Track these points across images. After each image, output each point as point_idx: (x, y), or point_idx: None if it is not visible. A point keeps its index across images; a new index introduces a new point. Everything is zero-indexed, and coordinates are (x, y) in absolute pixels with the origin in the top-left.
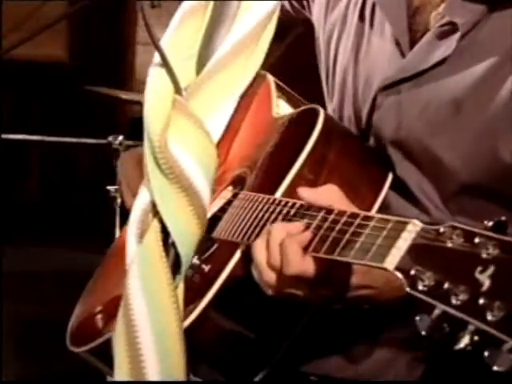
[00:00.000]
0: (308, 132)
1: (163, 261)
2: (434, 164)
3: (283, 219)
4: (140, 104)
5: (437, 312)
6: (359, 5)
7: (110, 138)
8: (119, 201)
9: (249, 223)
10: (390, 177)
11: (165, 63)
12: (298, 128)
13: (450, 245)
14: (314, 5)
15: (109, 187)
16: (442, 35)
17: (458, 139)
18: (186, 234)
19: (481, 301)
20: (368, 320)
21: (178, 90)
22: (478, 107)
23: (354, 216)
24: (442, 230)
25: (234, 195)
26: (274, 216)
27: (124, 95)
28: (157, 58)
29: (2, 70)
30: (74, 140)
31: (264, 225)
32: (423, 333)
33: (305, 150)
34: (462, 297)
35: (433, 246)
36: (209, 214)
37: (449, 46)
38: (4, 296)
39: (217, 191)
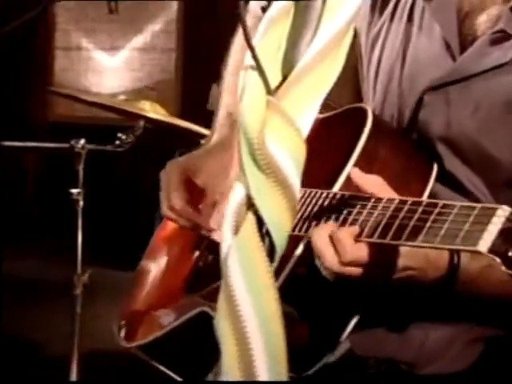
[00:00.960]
0: (359, 129)
1: (261, 249)
2: (482, 159)
3: (341, 211)
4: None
5: None
6: (408, 7)
7: (72, 142)
8: (81, 203)
9: (310, 217)
10: (435, 169)
11: (258, 67)
12: (347, 125)
13: None
14: None
15: (71, 190)
16: (495, 41)
17: (509, 137)
18: (280, 225)
19: None
20: (426, 302)
21: (269, 91)
22: None
23: (417, 204)
24: None
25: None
26: (332, 208)
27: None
28: (247, 62)
29: None
30: (35, 144)
31: (323, 217)
32: None
33: (358, 147)
34: None
35: None
36: None
37: (503, 52)
38: None
39: None
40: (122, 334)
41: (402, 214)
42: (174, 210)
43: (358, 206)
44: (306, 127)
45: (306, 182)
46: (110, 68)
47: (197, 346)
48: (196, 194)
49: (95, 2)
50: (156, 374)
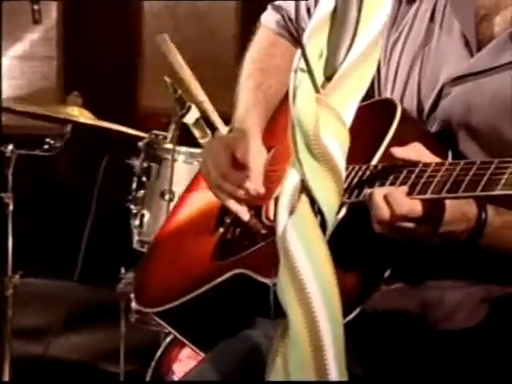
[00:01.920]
0: (390, 117)
1: (315, 224)
2: (498, 143)
3: (389, 177)
4: None
5: None
6: (430, 10)
7: (1, 148)
8: (11, 207)
9: (356, 186)
10: (450, 152)
11: (309, 70)
12: (379, 114)
13: None
14: None
15: (1, 194)
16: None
17: None
18: (331, 204)
19: None
20: (439, 270)
21: (317, 90)
22: None
23: (470, 163)
24: None
25: None
26: (381, 176)
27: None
28: (295, 66)
29: None
30: None
31: (376, 183)
32: None
33: (389, 132)
34: None
35: None
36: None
37: None
38: None
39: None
40: (141, 300)
41: (455, 173)
42: (220, 174)
43: (405, 172)
44: (349, 120)
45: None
46: None
47: (228, 310)
48: (236, 166)
49: None
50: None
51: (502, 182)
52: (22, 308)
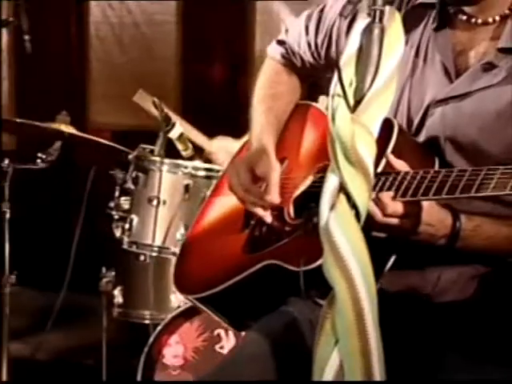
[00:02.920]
0: (389, 133)
1: (352, 216)
2: (478, 153)
3: (385, 183)
4: None
5: None
6: (414, 47)
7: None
8: (8, 215)
9: None
10: (437, 160)
11: (344, 96)
12: (380, 129)
13: None
14: None
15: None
16: (485, 70)
17: (498, 135)
18: (364, 200)
19: None
20: (436, 256)
21: (352, 110)
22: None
23: (463, 171)
24: None
25: (321, 178)
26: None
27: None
28: (332, 92)
29: None
30: None
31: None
32: None
33: (391, 143)
34: None
35: None
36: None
37: (491, 77)
38: None
39: (303, 178)
40: (183, 289)
41: (452, 177)
42: (242, 188)
43: (391, 178)
44: (376, 133)
45: None
46: None
47: (260, 294)
48: (256, 179)
49: None
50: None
51: (492, 185)
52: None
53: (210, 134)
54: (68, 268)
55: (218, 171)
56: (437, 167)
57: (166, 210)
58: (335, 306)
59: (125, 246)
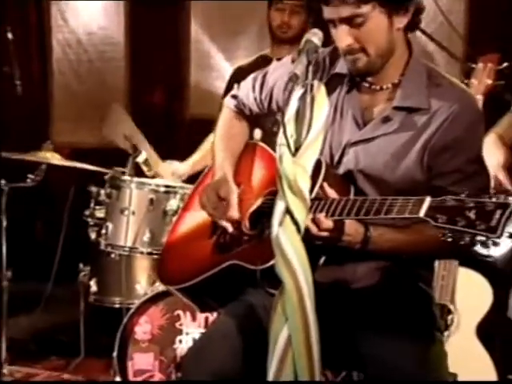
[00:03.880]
0: (319, 167)
1: (295, 230)
2: (380, 181)
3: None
4: None
5: (447, 232)
6: (333, 104)
7: None
8: (4, 223)
9: None
10: (352, 188)
11: (288, 145)
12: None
13: (450, 203)
14: None
15: None
16: (383, 121)
17: (394, 169)
18: (302, 220)
19: (471, 221)
20: (353, 256)
21: (293, 155)
22: (402, 156)
23: (374, 199)
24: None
25: (268, 200)
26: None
27: None
28: (279, 141)
29: None
30: None
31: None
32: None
33: (320, 176)
34: (461, 223)
35: (439, 206)
36: (254, 207)
37: (388, 127)
38: None
39: (254, 199)
40: (165, 281)
41: (366, 203)
42: (211, 206)
43: (328, 203)
44: (310, 171)
45: None
46: None
47: (226, 286)
48: (220, 199)
49: None
50: None
51: (396, 209)
52: None
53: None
54: (54, 264)
55: (174, 187)
56: (352, 192)
57: (134, 218)
58: (284, 294)
59: (102, 248)
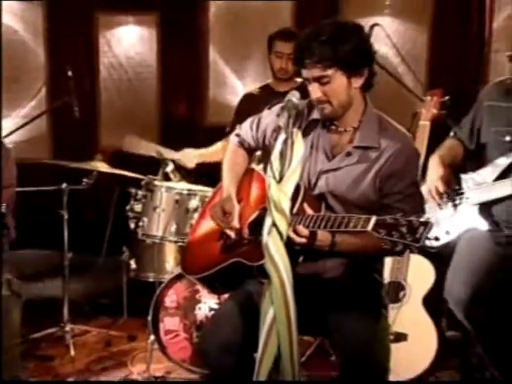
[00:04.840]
0: (298, 191)
1: (279, 239)
2: (345, 199)
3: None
4: None
5: (387, 241)
6: (310, 142)
7: (62, 186)
8: (66, 217)
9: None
10: (323, 205)
11: (273, 176)
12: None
13: (389, 221)
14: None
15: (61, 211)
16: (347, 156)
17: (354, 190)
18: (284, 231)
19: (403, 234)
20: (325, 253)
21: (278, 183)
22: (360, 181)
23: (335, 217)
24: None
25: (261, 213)
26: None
27: None
28: (268, 173)
29: None
30: (36, 188)
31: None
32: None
33: (300, 196)
34: (396, 236)
35: (381, 223)
36: (251, 218)
37: (350, 159)
38: None
39: (252, 212)
40: (188, 272)
41: (331, 219)
42: (218, 218)
43: (305, 218)
44: (290, 194)
45: None
46: None
47: (231, 277)
48: (226, 213)
49: None
50: None
51: (352, 224)
52: None
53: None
54: (104, 245)
55: (195, 190)
56: (323, 208)
57: (164, 214)
58: (271, 284)
59: (139, 237)
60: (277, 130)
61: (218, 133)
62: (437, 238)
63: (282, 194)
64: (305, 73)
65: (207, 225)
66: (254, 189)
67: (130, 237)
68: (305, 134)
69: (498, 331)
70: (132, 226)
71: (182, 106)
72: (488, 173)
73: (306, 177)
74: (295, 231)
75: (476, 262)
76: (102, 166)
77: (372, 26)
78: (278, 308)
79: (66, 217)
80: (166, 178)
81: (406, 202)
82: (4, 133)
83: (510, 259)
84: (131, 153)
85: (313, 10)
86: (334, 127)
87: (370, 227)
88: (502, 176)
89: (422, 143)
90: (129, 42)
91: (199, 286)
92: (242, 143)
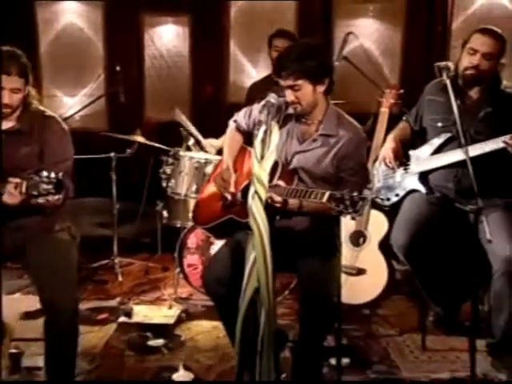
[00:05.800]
0: (277, 166)
1: (260, 203)
2: (312, 173)
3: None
4: None
5: (335, 210)
6: (287, 130)
7: (111, 154)
8: (114, 177)
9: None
10: (296, 177)
11: (256, 157)
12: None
13: (337, 196)
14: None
15: (111, 172)
16: (313, 141)
17: (319, 166)
18: (264, 197)
19: (346, 206)
20: (295, 213)
21: (259, 162)
22: (323, 160)
23: (306, 190)
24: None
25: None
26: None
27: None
28: (253, 154)
29: None
30: (90, 156)
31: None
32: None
33: (277, 172)
34: (342, 207)
35: (332, 197)
36: (242, 186)
37: (316, 144)
38: None
39: (244, 180)
40: (197, 222)
41: (299, 191)
42: (219, 185)
43: (280, 188)
44: (268, 171)
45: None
46: None
47: (226, 228)
48: (224, 181)
49: None
50: None
51: (312, 196)
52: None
53: (206, 128)
54: (143, 198)
55: (210, 159)
56: (296, 179)
57: (187, 177)
58: (253, 235)
59: (169, 194)
60: (259, 123)
61: (237, 109)
62: (388, 199)
63: (262, 170)
64: (281, 82)
65: (211, 189)
66: (247, 163)
67: (162, 193)
68: (283, 125)
69: (430, 268)
70: (164, 184)
71: (209, 88)
72: (426, 150)
73: (283, 156)
74: (271, 198)
75: (414, 216)
76: (141, 139)
77: (348, 34)
78: (257, 252)
79: (114, 177)
80: (188, 149)
81: (356, 176)
82: (72, 110)
83: (439, 215)
84: (168, 124)
85: (311, 10)
86: (304, 120)
87: (324, 199)
88: (436, 152)
89: (382, 125)
90: (167, 38)
91: None
92: (238, 127)
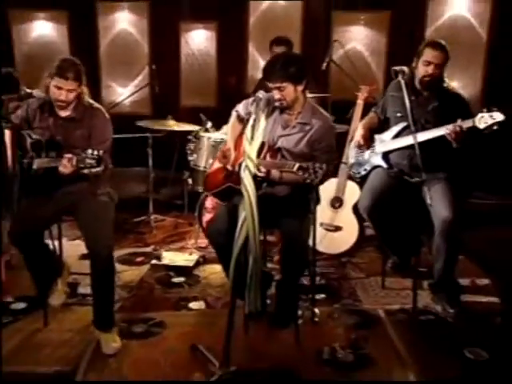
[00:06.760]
0: (263, 146)
1: (249, 174)
2: (292, 152)
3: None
4: None
5: (305, 178)
6: (274, 119)
7: (147, 134)
8: (150, 152)
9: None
10: (279, 155)
11: (247, 138)
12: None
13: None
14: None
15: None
16: (293, 127)
17: (297, 147)
18: (252, 169)
19: (310, 174)
20: (277, 183)
21: (249, 143)
22: (300, 142)
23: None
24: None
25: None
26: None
27: None
28: (245, 136)
29: None
30: (125, 135)
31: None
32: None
33: (264, 150)
34: (306, 175)
35: (300, 168)
36: (239, 161)
37: (297, 129)
38: None
39: (241, 157)
40: (206, 189)
41: (279, 164)
42: (222, 160)
43: (266, 162)
44: (256, 149)
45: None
46: None
47: (227, 194)
48: (226, 158)
49: None
50: None
51: (287, 167)
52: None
53: (229, 114)
54: (172, 167)
55: (223, 139)
56: (279, 157)
57: (205, 153)
58: (244, 198)
59: (192, 165)
60: (249, 114)
61: None
62: (359, 173)
63: (251, 149)
64: (269, 84)
65: (217, 164)
66: (242, 144)
67: (188, 165)
68: (270, 114)
69: (388, 226)
70: (189, 158)
71: (231, 81)
72: (388, 134)
73: (271, 138)
74: (258, 170)
75: (376, 185)
76: (171, 124)
77: (334, 41)
78: (247, 212)
79: (150, 153)
80: (206, 130)
81: (325, 154)
82: (123, 97)
83: (396, 185)
84: (198, 110)
85: (314, 17)
86: (287, 111)
87: (295, 169)
88: (395, 137)
89: (357, 114)
90: (199, 40)
91: None
92: (238, 116)
